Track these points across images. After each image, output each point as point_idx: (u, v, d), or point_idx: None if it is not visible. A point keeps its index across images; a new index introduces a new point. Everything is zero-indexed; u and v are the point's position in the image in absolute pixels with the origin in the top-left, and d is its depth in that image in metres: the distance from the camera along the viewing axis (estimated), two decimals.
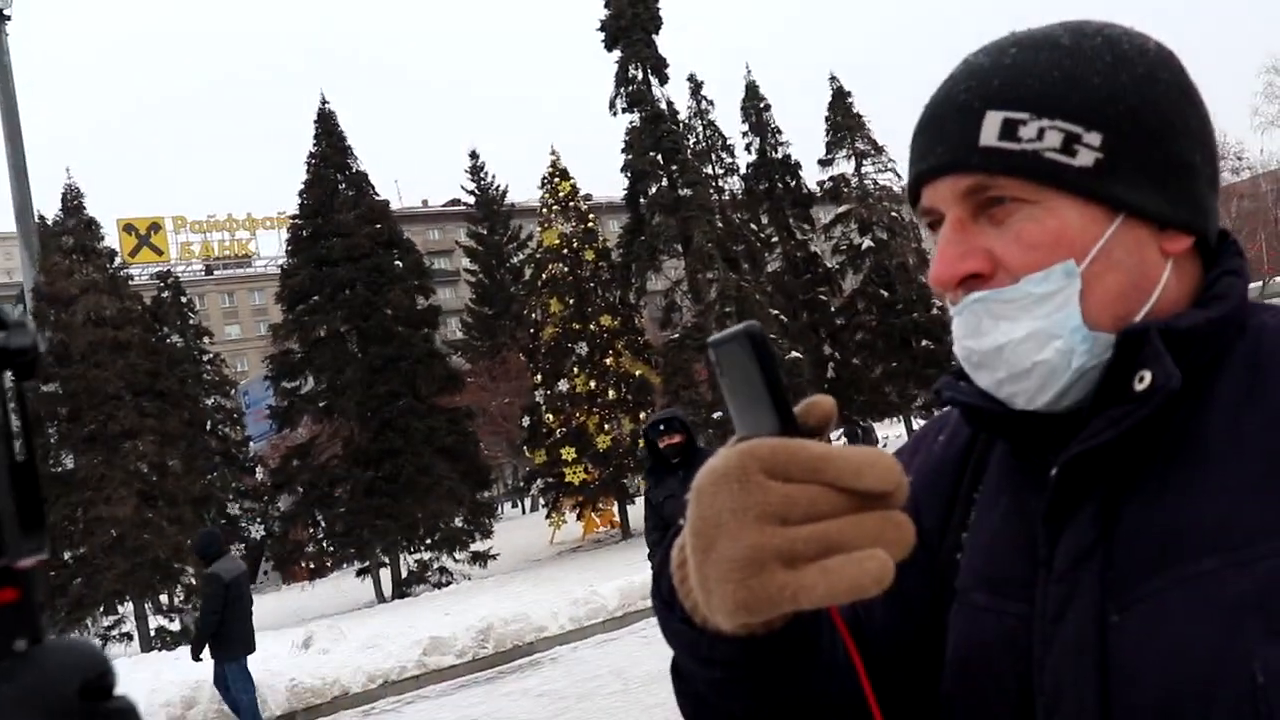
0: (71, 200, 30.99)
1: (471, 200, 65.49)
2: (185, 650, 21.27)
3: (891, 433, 47.33)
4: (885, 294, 34.48)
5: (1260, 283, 46.82)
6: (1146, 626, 0.85)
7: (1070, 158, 0.91)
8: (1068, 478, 0.91)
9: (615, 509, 32.96)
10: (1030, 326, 0.91)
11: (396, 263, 32.21)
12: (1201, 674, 0.81)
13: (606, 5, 30.83)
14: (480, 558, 30.42)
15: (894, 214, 35.59)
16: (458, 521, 30.89)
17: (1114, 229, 0.92)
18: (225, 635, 11.24)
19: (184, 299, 50.08)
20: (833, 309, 35.63)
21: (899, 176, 36.61)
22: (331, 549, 31.84)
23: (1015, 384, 0.93)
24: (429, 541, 30.52)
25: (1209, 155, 0.97)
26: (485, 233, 63.73)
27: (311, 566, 35.72)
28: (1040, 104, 0.92)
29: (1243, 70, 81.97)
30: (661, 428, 8.71)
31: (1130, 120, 0.92)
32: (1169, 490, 0.88)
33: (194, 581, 28.44)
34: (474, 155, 65.22)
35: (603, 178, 60.04)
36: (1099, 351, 0.91)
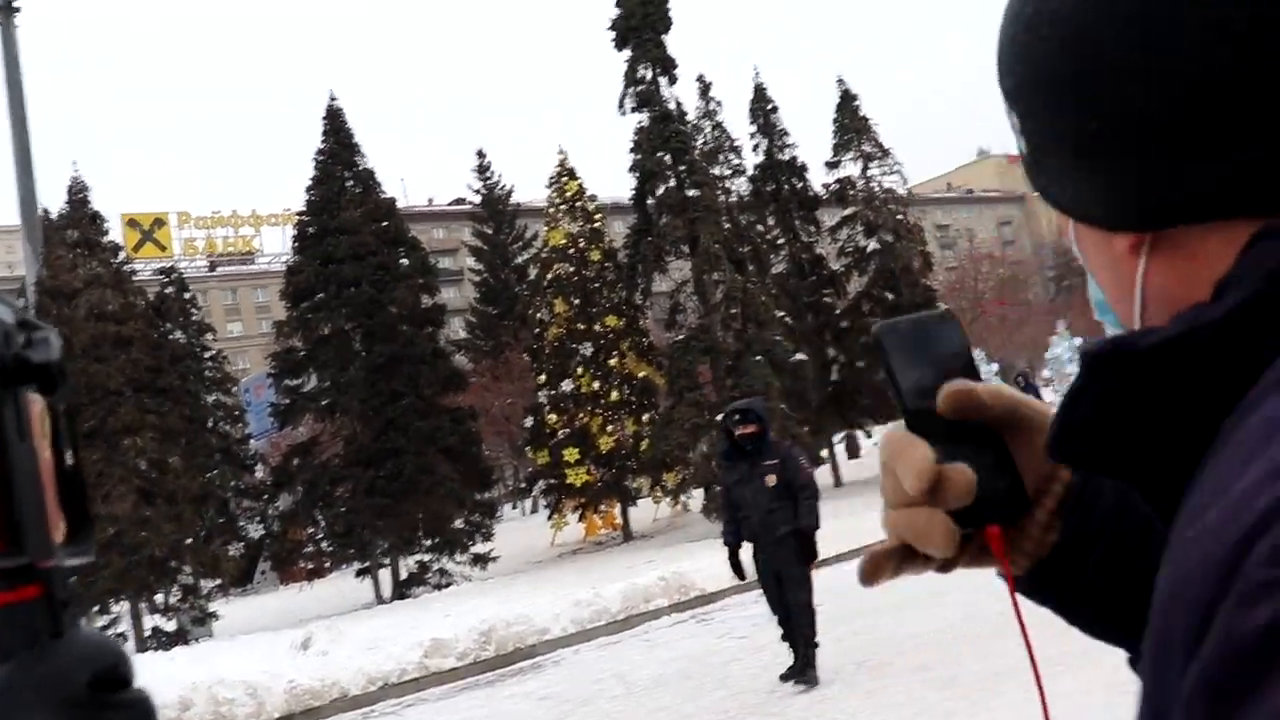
0: (76, 193, 30.87)
1: (478, 199, 65.48)
2: (181, 650, 21.12)
3: None
4: (890, 297, 34.24)
5: None
6: None
7: (1021, 148, 0.76)
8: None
9: (617, 511, 32.83)
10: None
11: (402, 261, 32.15)
12: None
13: (617, 5, 30.67)
14: (481, 559, 30.31)
15: (900, 217, 35.43)
16: (459, 523, 30.78)
17: (1073, 225, 0.76)
18: None
19: (187, 295, 49.94)
20: (838, 311, 35.43)
21: (905, 179, 36.45)
22: (331, 549, 31.71)
23: None
24: (429, 543, 30.41)
25: (1175, 95, 0.63)
26: (491, 232, 63.76)
27: (310, 566, 35.55)
28: (1000, 82, 0.77)
29: None
30: (738, 417, 9.46)
31: (1034, 85, 0.71)
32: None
33: (190, 581, 28.32)
34: (481, 154, 65.30)
35: (609, 178, 60.03)
36: None
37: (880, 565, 0.86)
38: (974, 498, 0.79)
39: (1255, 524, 0.49)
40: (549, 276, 33.33)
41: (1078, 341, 33.25)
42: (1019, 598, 0.86)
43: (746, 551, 9.73)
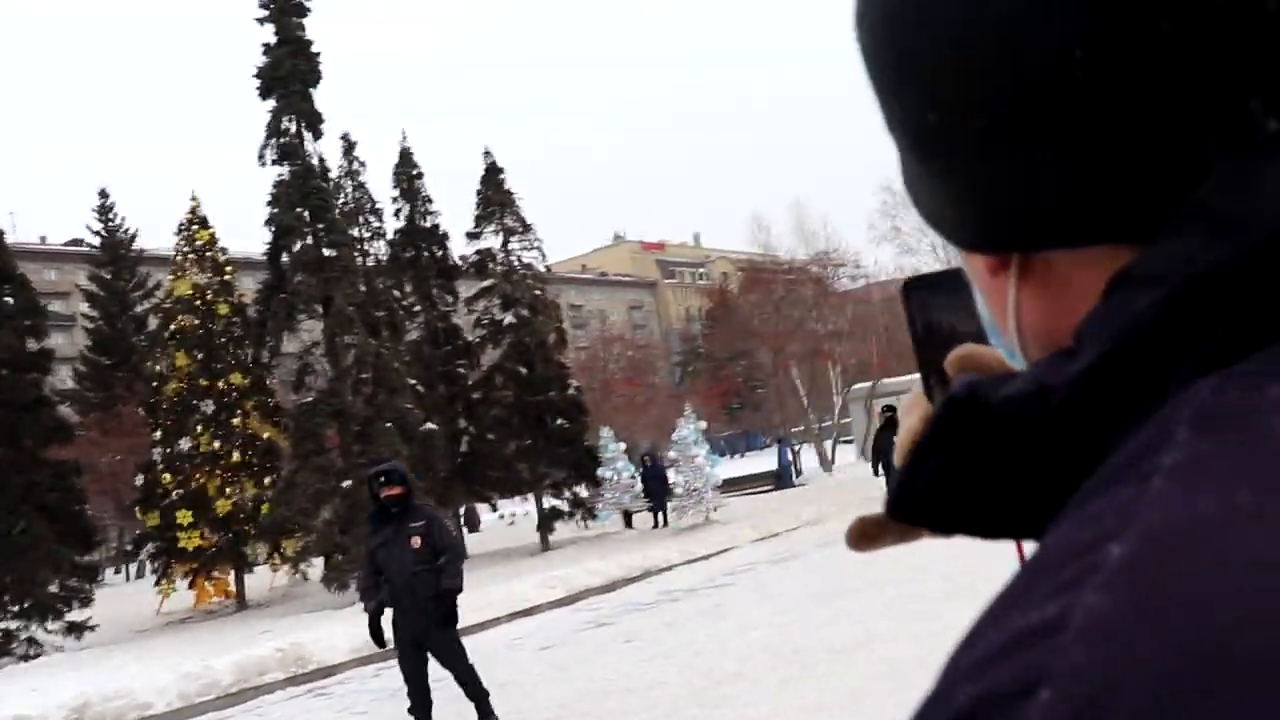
0: None
1: (97, 241, 61.84)
2: None
3: (520, 510, 47.67)
4: (524, 371, 34.65)
5: (870, 383, 50.54)
6: None
7: None
8: None
9: (231, 578, 31.44)
10: None
11: (7, 299, 29.85)
12: None
13: (265, 53, 29.79)
14: (76, 628, 28.17)
15: (537, 292, 35.99)
16: (53, 587, 28.55)
17: None
18: None
19: None
20: (470, 382, 35.52)
21: (544, 255, 37.11)
22: None
23: None
24: (16, 608, 28.03)
25: (1021, 86, 0.49)
26: (109, 277, 60.38)
27: None
28: None
29: (861, 189, 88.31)
30: (383, 479, 9.33)
31: (867, 56, 0.58)
32: None
33: None
34: (104, 194, 61.63)
35: (243, 231, 58.04)
36: None
37: (869, 533, 0.73)
38: None
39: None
40: (171, 328, 31.79)
41: (703, 425, 34.70)
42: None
43: (386, 618, 9.58)
